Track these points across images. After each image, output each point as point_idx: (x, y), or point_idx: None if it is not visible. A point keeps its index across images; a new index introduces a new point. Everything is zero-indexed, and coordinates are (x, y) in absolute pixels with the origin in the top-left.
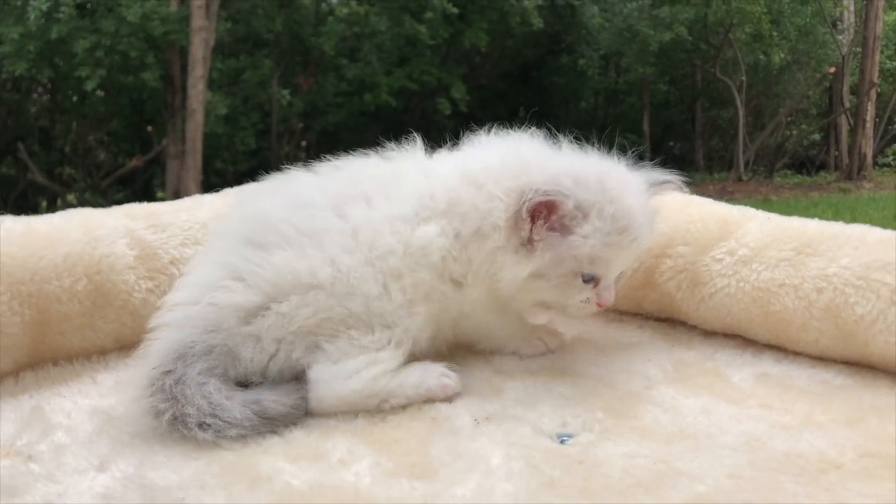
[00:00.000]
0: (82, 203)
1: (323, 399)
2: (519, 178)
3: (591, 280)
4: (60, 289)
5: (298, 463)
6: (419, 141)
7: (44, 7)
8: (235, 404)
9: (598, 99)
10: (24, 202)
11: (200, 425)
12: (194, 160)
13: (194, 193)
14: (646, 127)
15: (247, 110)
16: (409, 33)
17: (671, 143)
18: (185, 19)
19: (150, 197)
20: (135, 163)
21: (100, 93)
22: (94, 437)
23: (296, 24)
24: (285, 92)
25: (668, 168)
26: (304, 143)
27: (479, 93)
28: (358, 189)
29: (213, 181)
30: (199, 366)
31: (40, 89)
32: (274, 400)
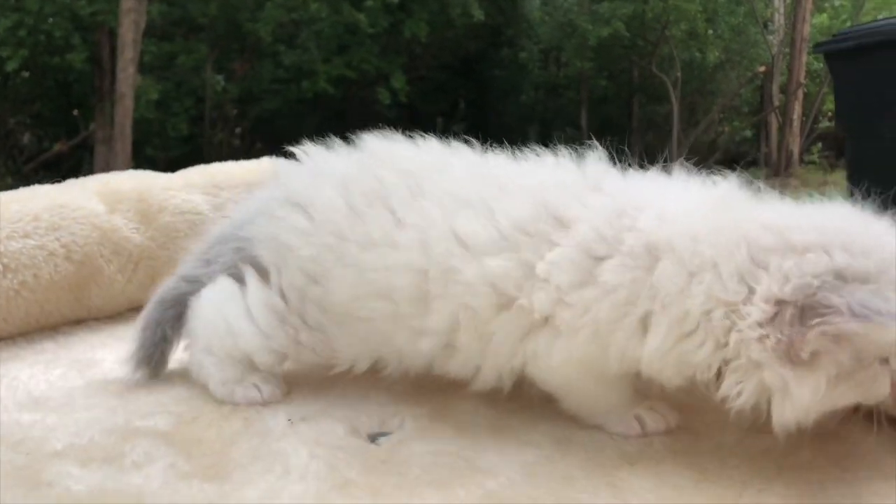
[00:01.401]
0: (3, 188)
1: None
2: (788, 281)
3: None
4: None
5: (89, 466)
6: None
7: None
8: None
9: (537, 92)
10: None
11: None
12: (123, 146)
13: None
14: (584, 121)
15: (179, 95)
16: (348, 21)
17: (608, 138)
18: (114, 0)
19: None
20: (59, 147)
21: (24, 73)
22: None
23: (232, 9)
24: (219, 77)
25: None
26: (238, 130)
27: (420, 84)
28: None
29: (143, 167)
30: None
31: None
32: None
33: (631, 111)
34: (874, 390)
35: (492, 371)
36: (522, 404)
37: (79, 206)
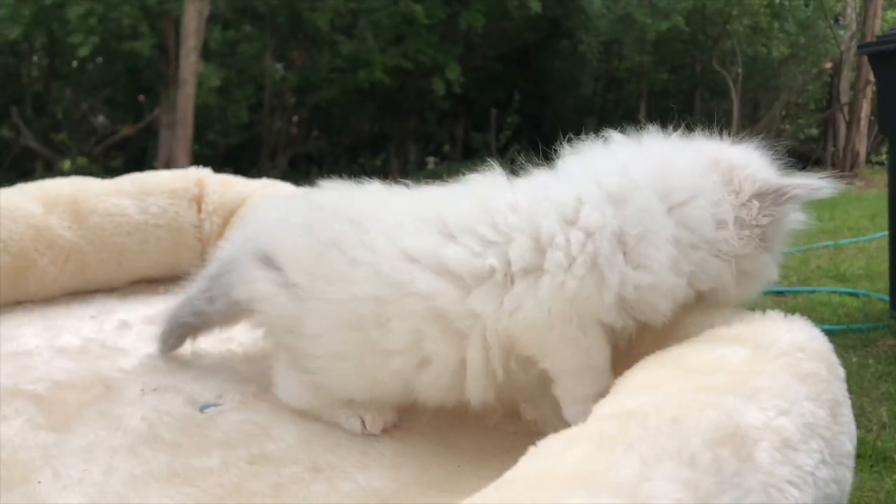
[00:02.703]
0: (77, 170)
1: None
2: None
3: None
4: None
5: None
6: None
7: None
8: None
9: (596, 84)
10: (20, 166)
11: None
12: (185, 131)
13: (184, 164)
14: (643, 115)
15: (240, 83)
16: (405, 11)
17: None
18: None
19: (144, 165)
20: (127, 131)
21: (99, 59)
22: None
23: None
24: (279, 66)
25: None
26: (295, 119)
27: (475, 74)
28: None
29: (204, 152)
30: None
31: (40, 54)
32: None
33: (692, 106)
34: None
35: (477, 362)
36: None
37: (17, 207)
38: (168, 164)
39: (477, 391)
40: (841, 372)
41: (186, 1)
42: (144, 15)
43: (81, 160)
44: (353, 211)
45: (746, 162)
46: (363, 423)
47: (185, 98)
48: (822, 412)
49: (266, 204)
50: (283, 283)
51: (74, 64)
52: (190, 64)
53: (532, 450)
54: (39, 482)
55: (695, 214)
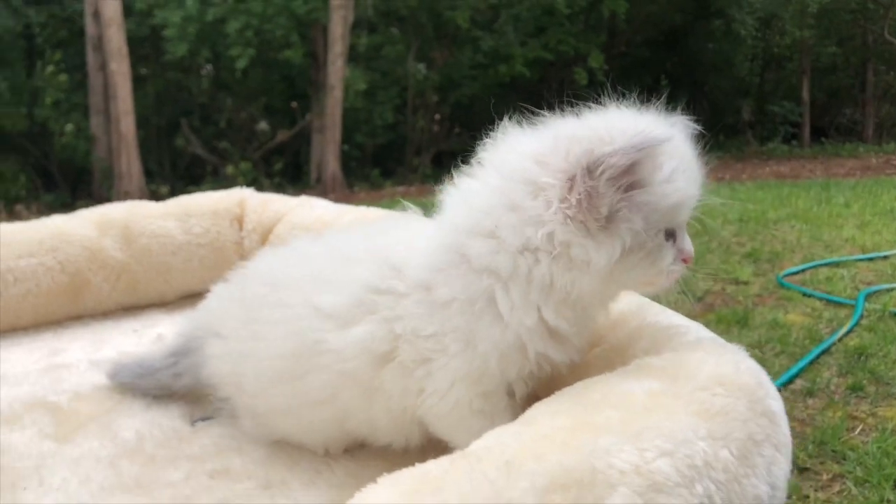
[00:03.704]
0: (242, 174)
1: None
2: (570, 154)
3: (671, 236)
4: None
5: None
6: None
7: None
8: None
9: (753, 64)
10: (191, 173)
11: None
12: (333, 134)
13: (334, 166)
14: (805, 94)
15: (385, 85)
16: (545, 3)
17: (840, 111)
18: None
19: (300, 168)
20: (281, 137)
21: (258, 69)
22: None
23: None
24: (421, 66)
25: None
26: (437, 117)
27: (619, 60)
28: None
29: (353, 154)
30: None
31: (209, 67)
32: None
33: (864, 80)
34: (659, 263)
35: (389, 425)
36: None
37: (74, 232)
38: (319, 167)
39: (398, 440)
40: (772, 407)
41: (332, 9)
42: (295, 25)
43: (244, 165)
44: (274, 273)
45: (593, 136)
46: (326, 448)
47: (333, 103)
48: (724, 452)
49: (217, 287)
50: (227, 349)
51: (237, 75)
52: (337, 70)
53: (369, 486)
54: (25, 488)
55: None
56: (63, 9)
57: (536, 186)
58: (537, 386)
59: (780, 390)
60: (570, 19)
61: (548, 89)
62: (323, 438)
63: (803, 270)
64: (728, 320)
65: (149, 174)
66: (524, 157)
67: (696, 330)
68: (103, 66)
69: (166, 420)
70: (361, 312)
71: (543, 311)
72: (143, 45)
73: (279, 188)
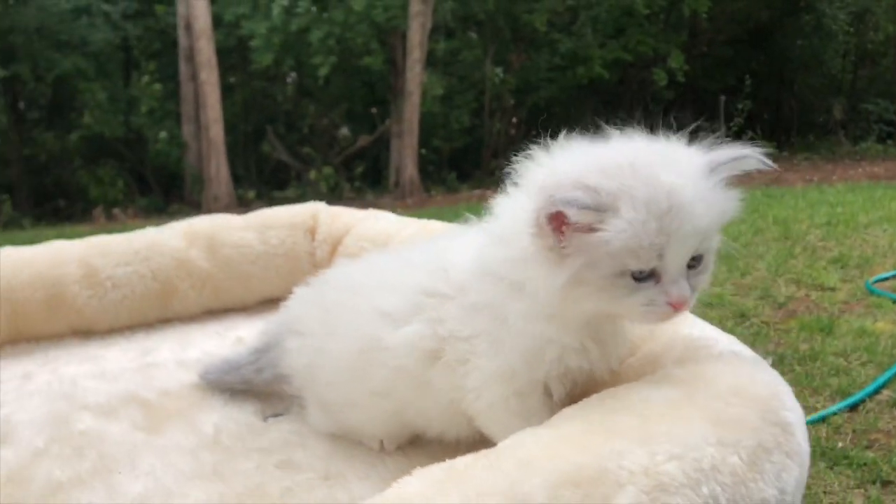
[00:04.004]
0: (325, 179)
1: None
2: (541, 188)
3: (648, 278)
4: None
5: (95, 412)
6: None
7: (284, 3)
8: None
9: (845, 61)
10: (277, 178)
11: None
12: (411, 139)
13: (411, 170)
14: None
15: (462, 89)
16: (624, 4)
17: None
18: (405, 5)
19: (379, 172)
20: (362, 142)
21: (339, 76)
22: None
23: (508, 2)
24: (498, 70)
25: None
26: (514, 120)
27: (701, 60)
28: None
29: (430, 157)
30: None
31: (293, 75)
32: None
33: None
34: (619, 302)
35: (441, 417)
36: None
37: (165, 243)
38: (398, 171)
39: (449, 431)
40: (787, 418)
41: (411, 16)
42: (375, 32)
43: (326, 170)
44: (348, 280)
45: (564, 177)
46: (381, 442)
47: (411, 108)
48: (734, 458)
49: (298, 290)
50: (304, 344)
51: (319, 83)
52: (415, 75)
53: (405, 478)
54: (119, 472)
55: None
56: (157, 22)
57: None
58: (576, 390)
59: (866, 401)
60: (649, 19)
61: (627, 91)
62: (383, 429)
63: (894, 276)
64: (811, 328)
65: (236, 179)
66: (535, 179)
67: (726, 342)
68: (194, 76)
69: (242, 416)
70: (412, 313)
71: (545, 322)
72: (232, 55)
73: (359, 192)
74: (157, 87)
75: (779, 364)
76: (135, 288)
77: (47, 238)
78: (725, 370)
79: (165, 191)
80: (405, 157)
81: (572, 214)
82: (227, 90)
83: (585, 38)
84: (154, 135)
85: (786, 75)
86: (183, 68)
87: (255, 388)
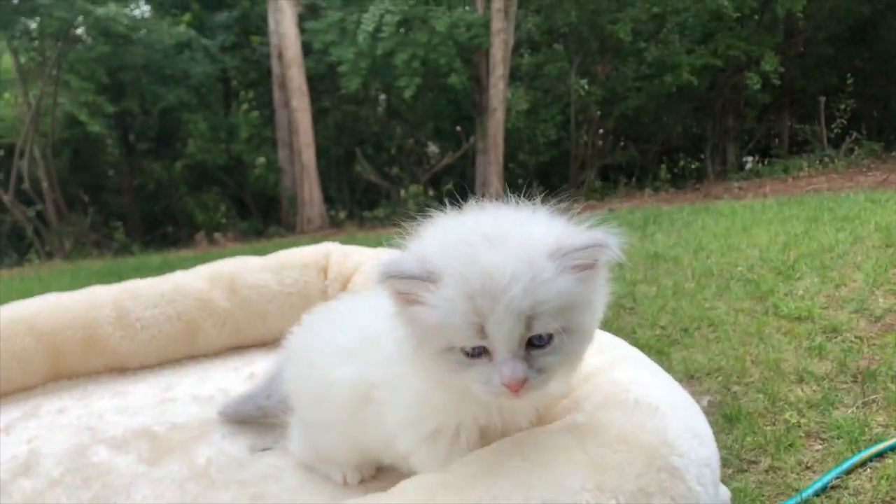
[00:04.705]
0: (412, 197)
1: None
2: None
3: (481, 355)
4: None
5: (116, 447)
6: None
7: (370, 28)
8: None
9: None
10: (368, 198)
11: None
12: (496, 155)
13: (497, 185)
14: None
15: (547, 102)
16: (713, 8)
17: None
18: (487, 24)
19: (465, 189)
20: (447, 160)
21: (426, 96)
22: None
23: (592, 13)
24: (583, 81)
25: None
26: (601, 131)
27: (798, 61)
28: None
29: (517, 172)
30: None
31: (382, 97)
32: None
33: None
34: (454, 376)
35: (384, 450)
36: None
37: (189, 285)
38: (483, 186)
39: (399, 462)
40: (673, 463)
41: (493, 34)
42: (458, 52)
43: (414, 188)
44: (326, 314)
45: (405, 252)
46: (344, 476)
47: (495, 124)
48: (611, 503)
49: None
50: (293, 371)
51: (405, 106)
52: (498, 92)
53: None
54: (116, 502)
55: None
56: (253, 52)
57: None
58: (493, 433)
59: None
60: (740, 22)
61: (718, 96)
62: (346, 455)
63: None
64: None
65: (329, 201)
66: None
67: (642, 389)
68: (287, 103)
69: (234, 449)
70: (350, 354)
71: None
72: (323, 81)
73: (448, 208)
74: (255, 114)
75: (871, 381)
76: (162, 328)
77: (151, 263)
78: (619, 417)
79: (264, 214)
80: (490, 172)
81: (396, 284)
82: (319, 114)
83: (673, 46)
84: (252, 160)
85: (892, 71)
86: (277, 96)
87: (269, 414)
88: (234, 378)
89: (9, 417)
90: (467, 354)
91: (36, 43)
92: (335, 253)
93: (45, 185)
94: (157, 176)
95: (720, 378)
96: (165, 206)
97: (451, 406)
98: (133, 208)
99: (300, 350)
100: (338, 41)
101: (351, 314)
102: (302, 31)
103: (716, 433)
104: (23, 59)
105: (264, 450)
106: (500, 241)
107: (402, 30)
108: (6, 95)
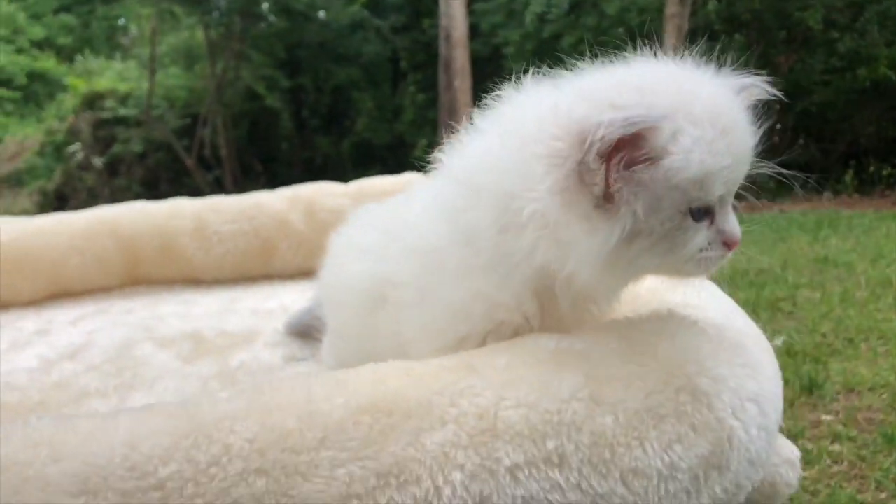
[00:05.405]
0: None
1: None
2: (568, 119)
3: (704, 215)
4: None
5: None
6: None
7: (538, 10)
8: None
9: None
10: None
11: None
12: None
13: None
14: None
15: None
16: None
17: None
18: (660, 7)
19: None
20: None
21: None
22: None
23: (779, 0)
24: (763, 72)
25: None
26: (779, 126)
27: None
28: None
29: None
30: None
31: None
32: None
33: None
34: (680, 250)
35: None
36: None
37: (269, 205)
38: None
39: None
40: (700, 385)
41: (666, 18)
42: (627, 37)
43: None
44: (359, 218)
45: (600, 98)
46: None
47: None
48: (607, 418)
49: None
50: (324, 274)
51: None
52: None
53: None
54: (138, 390)
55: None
56: (423, 34)
57: (530, 154)
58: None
59: None
60: None
61: None
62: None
63: None
64: None
65: None
66: (526, 118)
67: (690, 310)
68: (449, 85)
69: (269, 357)
70: (365, 251)
71: (482, 275)
72: (488, 64)
73: None
74: (421, 96)
75: None
76: (238, 243)
77: None
78: (652, 330)
79: None
80: None
81: (658, 135)
82: (479, 98)
83: (870, 36)
84: (414, 141)
85: None
86: (442, 77)
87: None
88: (298, 298)
89: (82, 311)
90: (694, 217)
91: (224, 19)
92: (417, 182)
93: (224, 152)
94: (324, 151)
95: (885, 395)
96: (331, 180)
97: (481, 310)
98: (301, 181)
99: (332, 255)
100: (505, 23)
101: (380, 211)
102: (470, 13)
103: (873, 454)
104: (213, 35)
105: (300, 360)
106: (707, 80)
107: (571, 14)
108: (196, 68)
